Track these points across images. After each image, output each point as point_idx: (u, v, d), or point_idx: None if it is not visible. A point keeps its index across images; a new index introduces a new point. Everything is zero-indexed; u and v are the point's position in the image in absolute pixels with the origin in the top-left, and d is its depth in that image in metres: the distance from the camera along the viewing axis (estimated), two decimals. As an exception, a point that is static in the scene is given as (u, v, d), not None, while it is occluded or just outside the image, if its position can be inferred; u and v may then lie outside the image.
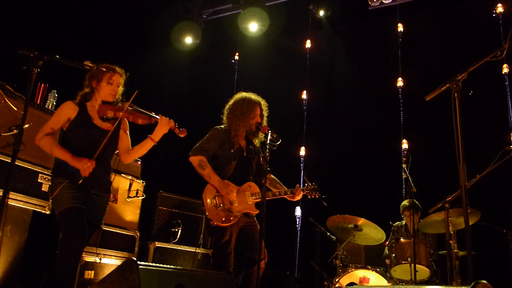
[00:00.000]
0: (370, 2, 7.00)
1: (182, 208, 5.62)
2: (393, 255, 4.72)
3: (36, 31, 5.63)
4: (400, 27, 6.87)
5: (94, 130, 3.22)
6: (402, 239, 4.78)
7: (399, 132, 6.39)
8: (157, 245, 5.28)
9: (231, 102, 3.92)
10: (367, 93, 6.95)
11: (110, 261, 4.67)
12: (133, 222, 5.05)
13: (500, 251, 4.67)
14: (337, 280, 4.76)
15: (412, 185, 4.42)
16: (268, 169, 3.47)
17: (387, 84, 6.75)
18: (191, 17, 7.92)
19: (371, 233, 4.90)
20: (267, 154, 3.36)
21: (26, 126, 3.69)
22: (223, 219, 3.54)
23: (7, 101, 3.79)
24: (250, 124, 3.78)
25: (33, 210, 3.98)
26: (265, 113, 3.89)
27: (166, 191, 5.56)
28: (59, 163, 3.23)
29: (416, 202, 5.03)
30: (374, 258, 5.31)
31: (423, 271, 4.58)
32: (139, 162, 5.20)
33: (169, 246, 5.40)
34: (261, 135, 3.84)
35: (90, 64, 3.09)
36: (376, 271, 4.75)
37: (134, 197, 5.02)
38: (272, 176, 3.98)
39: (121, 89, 3.38)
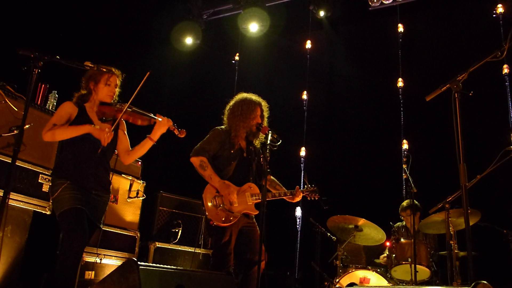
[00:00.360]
0: (370, 3, 7.01)
1: (183, 208, 5.62)
2: (394, 255, 4.72)
3: (36, 32, 5.64)
4: (401, 28, 6.87)
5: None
6: (402, 240, 4.78)
7: (399, 132, 6.39)
8: (157, 245, 5.28)
9: (231, 102, 3.92)
10: (368, 93, 6.95)
11: (111, 261, 4.67)
12: (134, 222, 5.05)
13: (501, 252, 4.66)
14: (337, 280, 4.76)
15: (413, 185, 4.42)
16: (268, 170, 3.46)
17: (387, 84, 6.75)
18: (191, 18, 7.92)
19: (371, 233, 4.90)
20: (268, 154, 3.36)
21: (27, 126, 3.69)
22: (223, 219, 3.55)
23: (8, 101, 3.79)
24: (251, 124, 3.78)
25: (34, 210, 3.98)
26: (265, 114, 3.89)
27: (166, 191, 5.56)
28: (59, 164, 3.24)
29: (416, 202, 5.03)
30: (374, 259, 5.31)
31: (424, 272, 4.58)
32: (140, 163, 5.20)
33: (169, 247, 5.40)
34: (261, 136, 3.84)
35: (90, 65, 3.10)
36: (377, 272, 4.75)
37: (135, 197, 5.02)
38: (271, 177, 3.97)
39: (118, 89, 3.38)
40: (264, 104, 3.90)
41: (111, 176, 3.40)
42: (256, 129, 3.79)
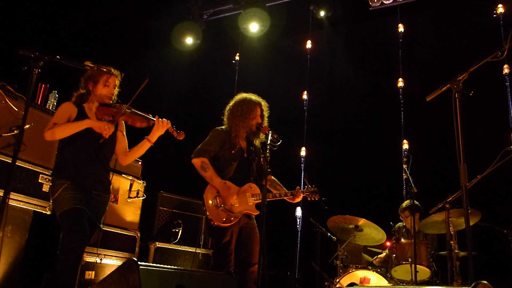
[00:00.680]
0: (370, 3, 7.00)
1: (183, 208, 5.62)
2: (394, 255, 4.72)
3: (36, 32, 5.64)
4: (401, 28, 6.87)
5: (93, 132, 3.20)
6: (402, 240, 4.78)
7: (399, 132, 6.39)
8: (157, 245, 5.28)
9: (231, 103, 3.92)
10: (368, 93, 6.95)
11: (111, 261, 4.67)
12: (134, 222, 5.05)
13: (501, 252, 4.66)
14: (337, 280, 4.76)
15: (413, 185, 4.42)
16: (269, 170, 3.47)
17: (387, 84, 6.75)
18: (191, 18, 7.92)
19: (371, 233, 4.89)
20: (268, 154, 3.36)
21: (27, 126, 3.69)
22: (224, 219, 3.55)
23: (8, 101, 3.79)
24: (251, 124, 3.78)
25: (34, 210, 3.98)
26: (265, 114, 3.89)
27: (166, 191, 5.56)
28: (59, 164, 3.24)
29: (416, 202, 5.03)
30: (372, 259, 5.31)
31: (424, 272, 4.57)
32: (140, 163, 5.20)
33: (169, 247, 5.40)
34: (261, 136, 3.84)
35: (90, 65, 3.09)
36: (377, 272, 4.75)
37: (135, 197, 5.02)
38: (272, 177, 3.98)
39: (117, 90, 3.38)
40: (264, 104, 3.90)
41: (111, 176, 3.41)
42: (256, 129, 3.79)
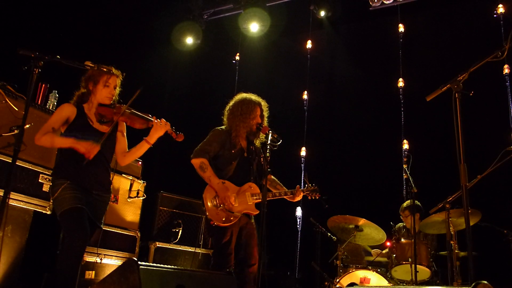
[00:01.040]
0: (371, 3, 7.00)
1: (183, 208, 5.62)
2: (394, 255, 4.72)
3: (36, 31, 5.64)
4: (401, 28, 6.87)
5: (92, 133, 3.20)
6: (403, 240, 4.78)
7: (399, 132, 6.39)
8: (157, 245, 5.28)
9: (231, 103, 3.93)
10: (368, 93, 6.95)
11: (111, 261, 4.67)
12: (134, 222, 5.05)
13: (501, 252, 4.66)
14: (337, 280, 4.76)
15: (413, 185, 4.42)
16: (269, 169, 3.47)
17: (388, 84, 6.75)
18: (191, 18, 7.92)
19: (372, 233, 4.89)
20: (268, 154, 3.36)
21: (27, 126, 3.69)
22: (223, 219, 3.55)
23: (8, 101, 3.80)
24: (251, 124, 3.79)
25: (34, 210, 3.98)
26: (265, 114, 3.90)
27: (166, 191, 5.56)
28: (59, 164, 3.24)
29: (417, 202, 5.02)
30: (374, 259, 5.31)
31: (424, 272, 4.57)
32: (140, 163, 5.20)
33: (169, 247, 5.40)
34: (262, 136, 3.84)
35: (91, 65, 3.09)
36: (377, 272, 4.75)
37: (135, 197, 5.03)
38: (272, 177, 3.98)
39: (118, 89, 3.38)
40: (263, 103, 3.91)
41: (112, 176, 3.40)
42: (257, 129, 3.79)
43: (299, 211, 6.75)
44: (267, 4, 7.54)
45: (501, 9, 6.04)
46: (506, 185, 5.22)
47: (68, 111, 3.21)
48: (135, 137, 3.51)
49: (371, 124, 6.74)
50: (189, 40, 7.98)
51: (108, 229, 4.66)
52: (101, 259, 4.56)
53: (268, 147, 3.39)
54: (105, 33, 6.68)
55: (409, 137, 6.30)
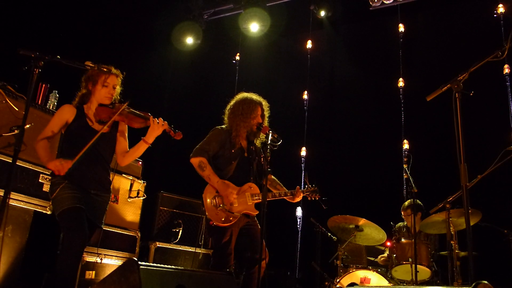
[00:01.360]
0: (371, 3, 7.00)
1: (183, 208, 5.62)
2: (394, 255, 4.72)
3: (37, 31, 5.64)
4: (401, 28, 6.87)
5: (92, 134, 3.19)
6: (403, 239, 4.78)
7: (400, 132, 6.39)
8: (158, 245, 5.28)
9: (232, 102, 3.92)
10: (368, 93, 6.95)
11: (111, 261, 4.67)
12: (134, 222, 5.05)
13: (501, 252, 4.66)
14: (338, 280, 4.76)
15: (413, 185, 4.42)
16: (269, 169, 3.47)
17: (388, 84, 6.75)
18: (192, 18, 7.92)
19: (372, 233, 4.89)
20: (268, 154, 3.36)
21: (27, 126, 3.70)
22: (223, 219, 3.54)
23: (8, 101, 3.80)
24: (251, 124, 3.78)
25: (34, 210, 3.98)
26: (266, 113, 3.89)
27: (167, 191, 5.56)
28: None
29: (419, 202, 5.01)
30: (373, 257, 5.31)
31: (424, 272, 4.57)
32: (140, 163, 5.20)
33: (170, 246, 5.40)
34: (262, 136, 3.84)
35: (91, 65, 3.09)
36: (377, 272, 4.75)
37: (135, 197, 5.03)
38: (272, 177, 3.98)
39: (118, 89, 3.37)
40: (264, 103, 3.90)
41: (112, 176, 3.40)
42: (257, 129, 3.78)
43: (299, 211, 6.75)
44: (267, 4, 7.54)
45: (501, 9, 6.04)
46: (506, 185, 5.22)
47: (67, 113, 3.22)
48: (135, 137, 3.51)
49: (371, 124, 6.74)
50: (189, 40, 7.98)
51: (108, 229, 4.66)
52: (101, 259, 4.55)
53: (268, 147, 3.39)
54: (105, 33, 6.68)
55: (409, 137, 6.30)
